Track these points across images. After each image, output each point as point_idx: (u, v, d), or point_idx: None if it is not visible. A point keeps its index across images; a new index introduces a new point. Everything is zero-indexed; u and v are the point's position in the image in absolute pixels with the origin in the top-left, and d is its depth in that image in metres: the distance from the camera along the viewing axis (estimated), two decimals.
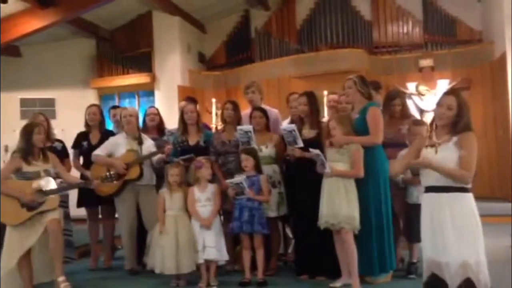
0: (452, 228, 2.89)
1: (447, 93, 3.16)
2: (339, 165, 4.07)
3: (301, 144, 4.38)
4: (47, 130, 4.88)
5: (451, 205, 2.92)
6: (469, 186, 2.97)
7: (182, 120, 5.11)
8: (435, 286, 2.96)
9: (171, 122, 5.67)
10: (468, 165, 2.89)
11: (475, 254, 2.87)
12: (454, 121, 2.99)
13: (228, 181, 4.45)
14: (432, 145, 3.02)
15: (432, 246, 2.99)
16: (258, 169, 4.51)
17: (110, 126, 6.14)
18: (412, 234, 4.45)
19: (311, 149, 4.20)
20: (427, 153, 3.03)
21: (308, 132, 4.55)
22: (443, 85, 10.33)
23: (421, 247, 4.44)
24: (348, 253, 4.00)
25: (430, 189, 3.03)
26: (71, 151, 5.55)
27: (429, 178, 3.02)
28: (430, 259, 3.00)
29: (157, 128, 5.54)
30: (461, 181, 2.90)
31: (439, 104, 3.05)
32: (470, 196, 2.97)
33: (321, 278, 4.39)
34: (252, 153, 4.51)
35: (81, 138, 5.53)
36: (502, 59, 9.54)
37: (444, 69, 10.66)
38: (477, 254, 2.88)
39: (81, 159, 5.54)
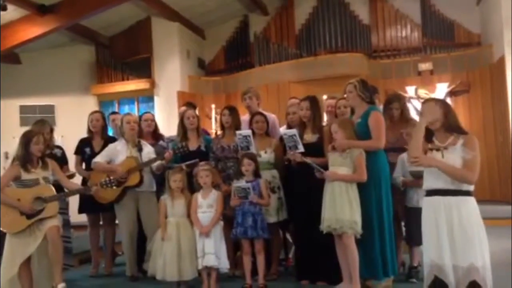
0: (459, 231, 2.90)
1: (424, 102, 3.25)
2: (342, 169, 4.05)
3: (302, 149, 4.36)
4: (48, 140, 4.88)
5: (458, 208, 2.94)
6: (472, 189, 2.99)
7: (182, 125, 5.11)
8: None
9: (171, 128, 5.66)
10: (472, 166, 2.93)
11: (481, 258, 2.89)
12: (445, 123, 3.05)
13: (235, 185, 4.43)
14: (437, 149, 3.04)
15: (436, 249, 2.97)
16: (256, 174, 4.51)
17: (110, 132, 6.13)
18: (412, 238, 4.45)
19: (304, 158, 4.22)
20: (433, 157, 3.04)
21: (310, 137, 4.53)
22: (442, 88, 10.36)
23: (422, 251, 4.46)
24: (350, 258, 3.98)
25: (435, 192, 3.04)
26: (73, 157, 5.55)
27: (435, 180, 3.03)
28: (433, 263, 2.99)
29: (152, 134, 5.53)
30: (464, 181, 2.93)
31: (421, 113, 3.13)
32: (474, 199, 3.00)
33: (322, 283, 4.37)
34: (254, 158, 4.52)
35: (83, 144, 5.52)
36: (501, 62, 9.56)
37: (443, 73, 10.69)
38: (483, 257, 2.90)
39: (83, 166, 5.53)
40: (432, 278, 3.00)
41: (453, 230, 2.92)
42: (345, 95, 4.46)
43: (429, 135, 3.14)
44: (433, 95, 10.30)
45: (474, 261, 2.86)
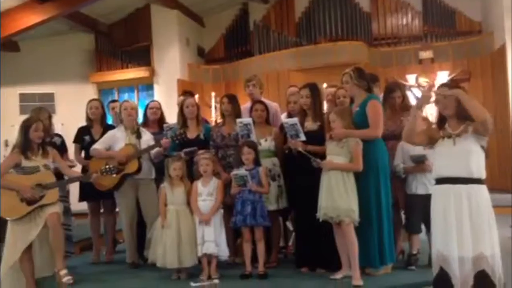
0: (469, 221, 2.88)
1: (438, 87, 3.22)
2: (339, 158, 4.05)
3: (303, 138, 4.35)
4: (47, 126, 4.87)
5: (469, 197, 2.91)
6: (483, 177, 2.97)
7: (181, 114, 5.09)
8: (445, 280, 2.94)
9: (171, 116, 5.66)
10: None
11: (490, 247, 2.88)
12: (458, 110, 3.00)
13: (233, 173, 4.43)
14: (449, 136, 3.02)
15: (443, 240, 2.96)
16: (256, 162, 4.51)
17: (109, 120, 6.12)
18: (411, 225, 4.46)
19: (300, 148, 4.23)
20: (444, 145, 3.03)
21: (311, 125, 4.52)
22: (443, 76, 10.32)
23: (421, 239, 4.48)
24: (349, 245, 4.00)
25: (445, 180, 3.00)
26: (72, 146, 5.54)
27: (445, 168, 3.00)
28: (440, 254, 2.98)
29: (158, 122, 5.52)
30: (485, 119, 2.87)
31: (435, 100, 3.11)
32: (485, 188, 2.96)
33: (321, 271, 4.39)
34: (254, 146, 4.51)
35: (82, 132, 5.51)
36: (502, 50, 9.53)
37: (444, 61, 10.66)
38: (493, 246, 2.89)
39: (83, 153, 5.53)
40: (439, 267, 2.99)
41: (462, 220, 2.88)
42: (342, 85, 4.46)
43: (442, 121, 3.11)
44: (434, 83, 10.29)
45: (484, 250, 2.85)
